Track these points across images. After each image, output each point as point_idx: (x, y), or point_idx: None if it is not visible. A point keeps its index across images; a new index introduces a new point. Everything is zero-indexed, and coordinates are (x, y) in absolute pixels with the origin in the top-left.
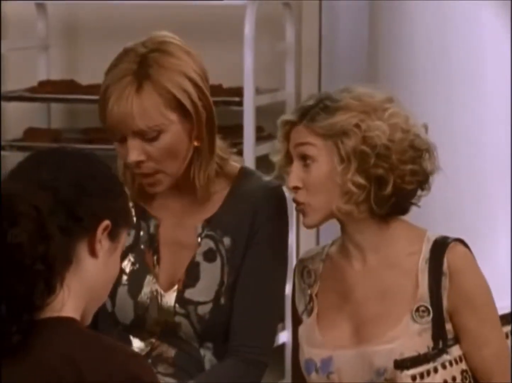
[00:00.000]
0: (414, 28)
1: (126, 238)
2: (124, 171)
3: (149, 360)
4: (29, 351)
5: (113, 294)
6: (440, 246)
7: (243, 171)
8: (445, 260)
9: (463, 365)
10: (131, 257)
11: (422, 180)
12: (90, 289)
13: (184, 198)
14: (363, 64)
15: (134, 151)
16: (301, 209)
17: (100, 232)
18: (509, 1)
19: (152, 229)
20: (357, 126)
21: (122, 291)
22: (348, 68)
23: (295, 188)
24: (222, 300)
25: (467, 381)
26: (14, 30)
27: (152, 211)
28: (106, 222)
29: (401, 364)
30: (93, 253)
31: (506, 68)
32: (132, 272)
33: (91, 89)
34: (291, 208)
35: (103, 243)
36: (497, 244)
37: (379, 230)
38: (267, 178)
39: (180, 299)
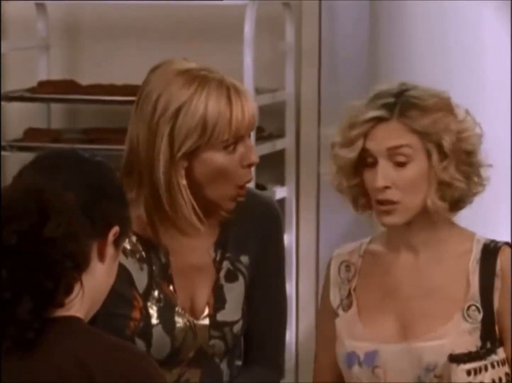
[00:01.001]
0: (415, 28)
1: (137, 271)
2: (191, 202)
3: None
4: (39, 349)
5: (147, 337)
6: (492, 248)
7: None
8: (498, 261)
9: (506, 368)
10: (154, 295)
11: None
12: (94, 293)
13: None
14: (363, 64)
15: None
16: (390, 208)
17: (111, 237)
18: (509, 1)
19: (163, 259)
20: (450, 124)
21: (157, 330)
22: (348, 68)
23: (386, 188)
24: (246, 315)
25: None
26: (14, 30)
27: (158, 241)
28: (117, 228)
29: (457, 358)
30: (101, 257)
31: (506, 69)
32: (159, 309)
33: (92, 89)
34: (290, 211)
35: (109, 249)
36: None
37: (437, 229)
38: (258, 191)
39: (214, 323)
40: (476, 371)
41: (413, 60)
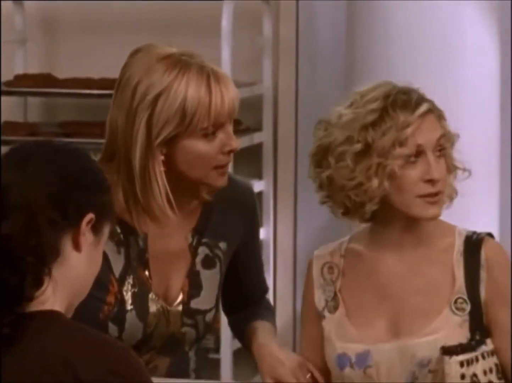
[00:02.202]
0: (393, 21)
1: (115, 254)
2: (166, 192)
3: None
4: (18, 345)
5: (120, 322)
6: (475, 240)
7: None
8: (482, 252)
9: (495, 359)
10: (129, 280)
11: None
12: (73, 283)
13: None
14: (341, 58)
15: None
16: (438, 199)
17: (84, 225)
18: (491, 2)
19: (141, 243)
20: None
21: (131, 316)
22: (325, 62)
23: (439, 180)
24: (219, 304)
25: (500, 375)
26: None
27: (137, 225)
28: (90, 215)
29: (450, 350)
30: (77, 246)
31: (488, 67)
32: (134, 295)
33: (68, 83)
34: (268, 205)
35: (87, 237)
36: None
37: (421, 225)
38: (237, 178)
39: (187, 310)
40: (469, 362)
41: (391, 53)
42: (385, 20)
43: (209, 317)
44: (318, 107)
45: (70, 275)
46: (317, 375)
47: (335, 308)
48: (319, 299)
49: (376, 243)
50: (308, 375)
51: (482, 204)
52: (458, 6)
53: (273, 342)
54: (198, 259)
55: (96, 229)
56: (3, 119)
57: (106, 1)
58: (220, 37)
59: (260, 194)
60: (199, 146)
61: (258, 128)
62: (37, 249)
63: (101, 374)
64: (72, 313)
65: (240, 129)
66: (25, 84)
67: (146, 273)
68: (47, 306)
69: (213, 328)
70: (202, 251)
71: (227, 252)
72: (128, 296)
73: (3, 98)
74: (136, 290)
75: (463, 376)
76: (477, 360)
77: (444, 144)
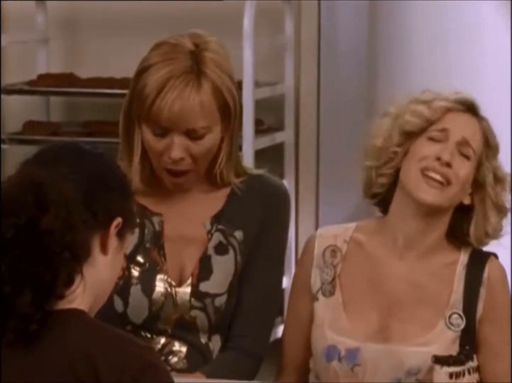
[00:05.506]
0: (414, 22)
1: (130, 239)
2: (136, 166)
3: (162, 357)
4: (43, 343)
5: (125, 294)
6: (480, 257)
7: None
8: (486, 269)
9: (477, 376)
10: (139, 258)
11: None
12: (98, 285)
13: (188, 194)
14: (362, 57)
15: (179, 148)
16: (440, 185)
17: (113, 229)
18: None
19: (157, 226)
20: None
21: (135, 290)
22: (347, 61)
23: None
24: (235, 291)
25: None
26: (13, 23)
27: (154, 209)
28: (119, 219)
29: (442, 360)
30: (104, 249)
31: (506, 62)
32: (142, 271)
33: (91, 82)
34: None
35: (113, 241)
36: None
37: (429, 233)
38: (270, 176)
39: (195, 292)
40: (458, 375)
41: (412, 52)
42: (406, 19)
43: (219, 301)
44: (340, 106)
45: (96, 277)
46: None
47: (331, 292)
48: (315, 280)
49: (386, 237)
50: None
51: None
52: (477, 5)
53: None
54: (211, 244)
55: (120, 234)
56: (26, 119)
57: (128, 1)
58: (242, 36)
59: None
60: (148, 135)
61: (279, 127)
62: (72, 246)
63: (117, 369)
64: (93, 316)
65: (261, 129)
66: (47, 83)
67: (160, 255)
68: (74, 305)
69: (227, 316)
70: (217, 237)
71: (245, 241)
72: (135, 272)
73: (26, 97)
74: (145, 268)
75: None
76: (463, 374)
77: (474, 147)
